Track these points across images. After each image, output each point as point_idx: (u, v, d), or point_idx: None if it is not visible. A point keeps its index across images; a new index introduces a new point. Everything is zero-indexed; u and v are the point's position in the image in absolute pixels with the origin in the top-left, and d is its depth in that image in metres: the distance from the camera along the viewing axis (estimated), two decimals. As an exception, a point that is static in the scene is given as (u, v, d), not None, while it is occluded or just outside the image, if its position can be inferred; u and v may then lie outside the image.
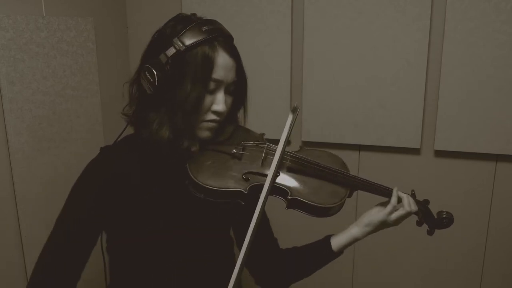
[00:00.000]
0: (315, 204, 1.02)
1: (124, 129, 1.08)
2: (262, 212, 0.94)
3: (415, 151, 1.88)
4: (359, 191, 1.13)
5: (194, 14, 1.04)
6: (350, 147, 1.94)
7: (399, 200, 1.12)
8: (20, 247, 1.61)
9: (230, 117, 1.09)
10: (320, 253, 1.18)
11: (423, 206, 1.16)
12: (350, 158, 1.95)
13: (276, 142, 1.03)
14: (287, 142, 1.03)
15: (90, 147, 1.07)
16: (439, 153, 1.85)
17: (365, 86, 1.85)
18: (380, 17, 1.77)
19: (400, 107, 1.82)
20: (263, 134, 1.14)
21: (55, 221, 1.05)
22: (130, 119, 1.05)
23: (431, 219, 1.17)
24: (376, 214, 1.13)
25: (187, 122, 0.99)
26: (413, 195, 1.15)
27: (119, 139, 1.09)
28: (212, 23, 1.01)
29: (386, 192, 1.13)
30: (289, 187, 1.03)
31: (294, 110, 1.03)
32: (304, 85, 1.92)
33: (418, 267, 1.98)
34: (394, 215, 1.11)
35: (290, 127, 1.02)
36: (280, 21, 1.89)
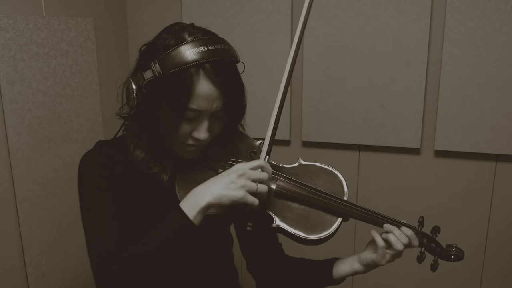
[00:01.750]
0: (300, 236, 0.97)
1: (119, 130, 1.07)
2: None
3: (415, 151, 1.88)
4: None
5: (192, 26, 0.96)
6: (350, 147, 1.94)
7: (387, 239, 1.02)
8: (20, 247, 1.61)
9: (225, 133, 1.03)
10: (320, 276, 1.14)
11: (429, 239, 1.07)
12: (350, 158, 1.95)
13: (276, 142, 1.02)
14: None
15: (90, 147, 1.07)
16: (439, 153, 1.85)
17: (365, 86, 1.85)
18: (380, 17, 1.77)
19: (400, 107, 1.82)
20: (261, 143, 1.07)
21: (83, 221, 0.99)
22: (125, 120, 1.03)
23: (437, 250, 1.08)
24: (371, 257, 1.05)
25: (162, 147, 0.96)
26: (420, 222, 1.08)
27: (117, 137, 1.09)
28: (207, 43, 0.91)
29: (381, 223, 1.04)
30: (274, 215, 0.97)
31: None
32: (304, 85, 1.92)
33: (418, 267, 1.97)
34: (389, 257, 1.02)
35: (307, 12, 0.96)
36: (280, 21, 1.89)
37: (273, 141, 0.99)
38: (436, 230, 1.09)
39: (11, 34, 1.50)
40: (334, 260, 1.14)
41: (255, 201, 0.89)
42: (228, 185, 0.89)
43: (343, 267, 1.11)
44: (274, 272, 1.22)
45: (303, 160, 1.09)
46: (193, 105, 0.91)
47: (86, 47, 1.80)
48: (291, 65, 0.97)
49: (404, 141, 1.85)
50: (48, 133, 1.66)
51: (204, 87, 0.90)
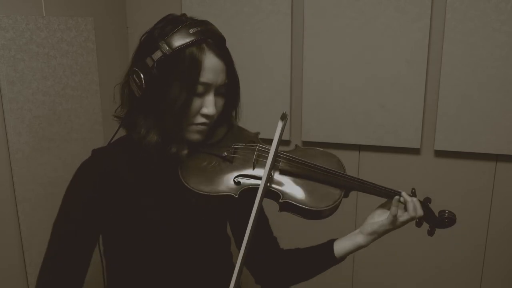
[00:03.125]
0: (307, 207, 1.00)
1: (116, 132, 1.08)
2: (259, 214, 0.93)
3: (415, 151, 1.88)
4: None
5: (184, 15, 1.02)
6: (350, 147, 1.94)
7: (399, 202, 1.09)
8: (20, 247, 1.61)
9: (222, 119, 1.07)
10: (321, 257, 1.16)
11: (423, 205, 1.14)
12: (350, 158, 1.95)
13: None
14: (279, 144, 1.01)
15: (90, 147, 1.07)
16: (439, 153, 1.85)
17: (365, 86, 1.85)
18: (380, 17, 1.77)
19: (400, 107, 1.82)
20: (257, 134, 1.12)
21: (52, 226, 1.03)
22: (122, 122, 1.04)
23: (432, 218, 1.15)
24: (379, 222, 1.10)
25: (176, 126, 0.99)
26: (413, 193, 1.13)
27: (111, 142, 1.09)
28: (202, 24, 0.98)
29: (384, 193, 1.11)
30: (281, 190, 1.01)
31: (283, 117, 1.01)
32: (304, 85, 1.92)
33: (418, 267, 1.98)
34: (399, 222, 1.08)
35: (280, 135, 1.01)
36: (280, 21, 1.89)
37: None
38: (427, 200, 1.15)
39: (11, 34, 1.50)
40: (332, 241, 1.16)
41: None
42: None
43: (345, 244, 1.14)
44: (272, 265, 1.22)
45: (300, 146, 1.16)
46: (203, 78, 0.96)
47: (86, 47, 1.80)
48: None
49: (404, 141, 1.85)
50: (48, 133, 1.66)
51: (211, 60, 0.96)
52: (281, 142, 1.06)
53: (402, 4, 1.74)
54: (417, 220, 1.12)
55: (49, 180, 1.67)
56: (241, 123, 1.14)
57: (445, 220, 1.14)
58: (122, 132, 1.07)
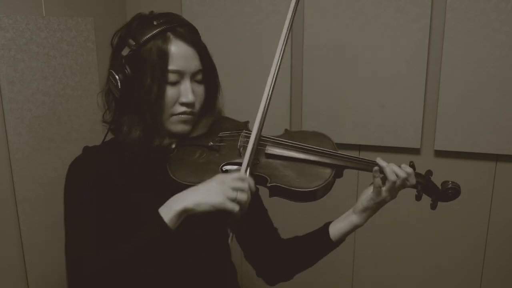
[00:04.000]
0: (296, 189, 0.98)
1: (105, 136, 1.09)
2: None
3: (415, 151, 1.88)
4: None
5: (151, 12, 1.04)
6: (350, 147, 1.94)
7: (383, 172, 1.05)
8: (20, 247, 1.61)
9: (206, 108, 1.07)
10: (319, 242, 1.15)
11: (424, 178, 1.09)
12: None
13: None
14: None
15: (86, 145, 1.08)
16: (439, 153, 1.85)
17: (365, 86, 1.85)
18: (380, 17, 1.77)
19: (400, 107, 1.82)
20: (246, 122, 1.11)
21: (65, 224, 1.04)
22: (109, 126, 1.06)
23: (434, 190, 1.09)
24: (368, 197, 1.08)
25: (156, 119, 0.99)
26: (412, 166, 1.09)
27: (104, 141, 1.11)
28: (167, 15, 1.01)
29: (369, 167, 1.06)
30: (268, 174, 1.00)
31: None
32: (304, 85, 1.92)
33: (418, 267, 1.98)
34: (385, 192, 1.05)
35: (292, 14, 1.01)
36: (280, 21, 1.88)
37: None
38: (429, 173, 1.11)
39: (11, 34, 1.50)
40: (327, 224, 1.15)
41: (235, 207, 0.92)
42: (208, 191, 0.92)
43: (339, 225, 1.12)
44: (273, 256, 1.22)
45: (289, 129, 1.13)
46: (173, 66, 0.97)
47: (86, 47, 1.80)
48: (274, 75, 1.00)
49: (404, 141, 1.85)
50: (48, 133, 1.66)
51: (179, 46, 0.97)
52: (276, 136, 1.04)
53: (402, 4, 1.74)
54: (416, 194, 1.08)
55: (49, 180, 1.67)
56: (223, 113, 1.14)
57: (448, 191, 1.08)
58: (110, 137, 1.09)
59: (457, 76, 1.74)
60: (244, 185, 0.94)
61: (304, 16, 1.87)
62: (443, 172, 1.86)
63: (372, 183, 1.09)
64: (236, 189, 0.92)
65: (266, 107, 1.00)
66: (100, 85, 1.86)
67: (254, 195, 0.97)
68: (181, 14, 2.01)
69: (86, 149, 1.08)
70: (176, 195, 0.94)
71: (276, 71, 1.02)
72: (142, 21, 1.00)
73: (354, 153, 1.95)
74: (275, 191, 1.00)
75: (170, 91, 0.98)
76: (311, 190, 0.99)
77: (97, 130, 1.87)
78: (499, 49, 1.67)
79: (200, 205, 0.91)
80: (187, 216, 1.05)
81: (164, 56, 0.96)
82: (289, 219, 1.65)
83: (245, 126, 1.10)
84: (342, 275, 2.06)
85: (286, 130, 1.12)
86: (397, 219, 1.89)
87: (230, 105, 1.22)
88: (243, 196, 0.93)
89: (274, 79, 1.02)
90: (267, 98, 1.01)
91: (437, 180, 1.93)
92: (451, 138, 1.79)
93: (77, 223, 1.01)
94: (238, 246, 1.26)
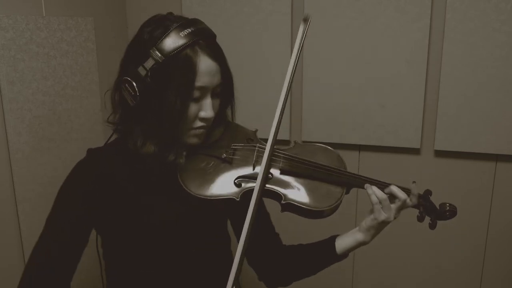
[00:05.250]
0: (309, 208, 0.99)
1: (110, 137, 1.07)
2: (255, 215, 0.92)
3: (415, 151, 1.88)
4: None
5: (170, 14, 1.00)
6: (350, 147, 1.94)
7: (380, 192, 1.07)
8: (20, 247, 1.61)
9: (219, 118, 1.06)
10: (323, 254, 1.15)
11: (424, 198, 1.12)
12: (350, 158, 1.95)
13: (276, 142, 1.03)
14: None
15: (90, 147, 1.08)
16: (439, 153, 1.85)
17: (365, 86, 1.85)
18: (380, 17, 1.77)
19: (400, 107, 1.82)
20: (255, 131, 1.11)
21: (45, 221, 1.04)
22: (115, 128, 1.03)
23: (433, 211, 1.13)
24: (371, 216, 1.08)
25: (174, 134, 0.97)
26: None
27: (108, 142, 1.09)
28: (192, 24, 0.95)
29: (383, 188, 1.09)
30: (282, 191, 1.00)
31: (305, 20, 0.97)
32: (304, 85, 1.92)
33: (418, 267, 1.98)
34: (383, 214, 1.06)
35: (301, 40, 0.97)
36: (280, 21, 1.89)
37: (275, 143, 1.01)
38: (428, 193, 1.14)
39: (11, 34, 1.50)
40: (334, 237, 1.15)
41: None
42: None
43: (346, 240, 1.13)
44: (274, 262, 1.22)
45: (299, 142, 1.14)
46: (199, 83, 0.94)
47: (86, 47, 1.80)
48: (292, 73, 0.98)
49: (404, 141, 1.85)
50: (48, 133, 1.66)
51: (205, 62, 0.94)
52: (281, 142, 1.05)
53: (402, 4, 1.74)
54: (418, 215, 1.10)
55: (49, 180, 1.67)
56: (241, 124, 1.14)
57: (446, 213, 1.12)
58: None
59: (457, 76, 1.74)
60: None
61: (304, 16, 1.87)
62: (443, 172, 1.87)
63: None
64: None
65: (279, 122, 0.99)
66: (100, 85, 1.87)
67: (258, 206, 0.96)
68: (181, 14, 2.02)
69: (90, 151, 1.05)
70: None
71: (289, 87, 1.02)
72: (166, 29, 0.93)
73: (354, 153, 1.95)
74: (288, 208, 1.01)
75: (192, 107, 0.96)
76: (323, 210, 1.01)
77: (97, 130, 1.87)
78: (499, 49, 1.67)
79: None
80: (186, 215, 1.05)
81: (193, 73, 0.92)
82: (289, 225, 1.66)
83: (254, 136, 1.09)
84: (342, 276, 2.06)
85: (295, 142, 1.14)
86: (397, 219, 1.89)
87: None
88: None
89: (286, 97, 1.01)
90: (280, 115, 1.00)
91: (437, 180, 1.94)
92: (451, 138, 1.79)
93: (51, 238, 1.02)
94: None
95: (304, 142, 1.98)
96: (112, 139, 1.09)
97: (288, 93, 1.00)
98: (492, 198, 1.82)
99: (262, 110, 1.94)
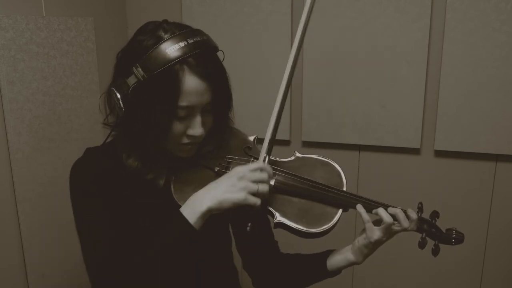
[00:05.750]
0: (302, 229, 0.96)
1: (107, 137, 1.06)
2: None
3: (415, 151, 1.88)
4: None
5: (165, 22, 0.94)
6: (350, 147, 1.94)
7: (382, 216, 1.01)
8: (20, 247, 1.61)
9: (214, 131, 1.02)
10: (315, 269, 1.13)
11: (429, 224, 1.07)
12: (350, 158, 1.95)
13: (276, 142, 1.02)
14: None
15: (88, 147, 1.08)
16: (439, 153, 1.85)
17: (365, 86, 1.85)
18: (380, 17, 1.77)
19: (400, 107, 1.82)
20: (255, 138, 1.08)
21: (78, 231, 0.98)
22: (112, 129, 1.02)
23: (437, 235, 1.07)
24: (362, 237, 1.04)
25: (156, 152, 0.95)
26: (420, 209, 1.07)
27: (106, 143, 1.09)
28: (183, 37, 0.89)
29: (371, 210, 1.03)
30: (275, 210, 0.97)
31: None
32: (304, 85, 1.92)
33: (418, 267, 1.98)
34: (378, 231, 1.01)
35: (309, 12, 0.94)
36: (280, 21, 1.89)
37: (274, 140, 0.99)
38: (435, 215, 1.08)
39: (11, 34, 1.50)
40: (329, 253, 1.12)
41: (257, 201, 0.89)
42: (229, 188, 0.89)
43: (338, 258, 1.09)
44: (270, 269, 1.21)
45: (300, 153, 1.09)
46: (183, 102, 0.89)
47: (86, 47, 1.80)
48: (291, 67, 0.96)
49: (404, 141, 1.85)
50: (48, 133, 1.66)
51: (191, 82, 0.89)
52: (281, 142, 1.05)
53: (402, 4, 1.74)
54: (420, 240, 1.05)
55: (49, 180, 1.67)
56: (240, 124, 1.13)
57: (451, 239, 1.06)
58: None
59: (457, 76, 1.74)
60: (264, 176, 0.91)
61: (304, 16, 1.87)
62: (443, 172, 1.87)
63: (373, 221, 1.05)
64: (257, 181, 0.89)
65: (274, 129, 0.97)
66: (100, 85, 1.87)
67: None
68: (181, 14, 2.02)
69: (88, 151, 1.05)
70: (197, 193, 0.91)
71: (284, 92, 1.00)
72: (156, 41, 0.88)
73: (354, 153, 1.95)
74: (279, 226, 0.98)
75: (178, 126, 0.92)
76: (316, 232, 0.97)
77: (97, 130, 1.87)
78: (499, 49, 1.67)
79: (223, 203, 0.88)
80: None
81: (175, 92, 0.88)
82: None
83: (253, 144, 1.06)
84: (342, 275, 2.05)
85: (296, 154, 1.08)
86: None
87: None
88: (265, 188, 0.90)
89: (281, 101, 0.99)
90: (275, 122, 0.97)
91: (437, 180, 1.93)
92: (451, 138, 1.79)
93: (92, 227, 0.96)
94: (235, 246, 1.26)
95: (304, 142, 1.98)
96: (110, 139, 1.09)
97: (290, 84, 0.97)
98: (492, 198, 1.82)
99: (261, 110, 1.94)
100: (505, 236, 1.84)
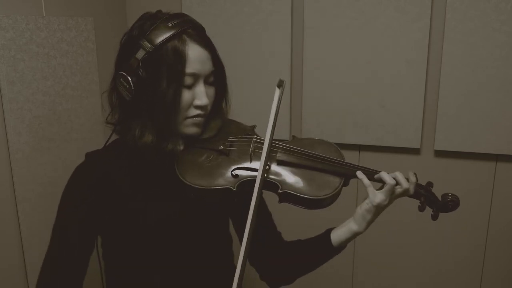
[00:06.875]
0: (306, 196, 0.99)
1: (110, 137, 1.08)
2: (257, 208, 0.93)
3: (415, 151, 1.88)
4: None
5: (159, 11, 1.02)
6: (350, 147, 1.94)
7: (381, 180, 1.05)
8: (20, 247, 1.61)
9: (215, 111, 1.07)
10: (321, 248, 1.14)
11: (425, 189, 1.11)
12: (350, 158, 1.94)
13: (275, 140, 1.03)
14: (275, 129, 0.99)
15: (90, 147, 1.08)
16: (439, 153, 1.85)
17: (365, 86, 1.85)
18: (380, 17, 1.77)
19: (400, 107, 1.82)
20: (253, 126, 1.12)
21: (51, 230, 1.05)
22: (114, 128, 1.04)
23: (435, 202, 1.11)
24: (364, 202, 1.06)
25: (169, 123, 0.99)
26: (415, 177, 1.10)
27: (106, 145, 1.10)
28: (179, 16, 0.99)
29: (373, 175, 1.06)
30: (279, 181, 1.00)
31: (280, 84, 1.00)
32: (304, 85, 1.92)
33: (418, 267, 1.98)
34: (383, 193, 1.03)
35: (277, 104, 0.99)
36: (280, 21, 1.89)
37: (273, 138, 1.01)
38: (429, 185, 1.13)
39: (11, 34, 1.50)
40: (330, 230, 1.14)
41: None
42: None
43: (341, 231, 1.11)
44: (276, 259, 1.21)
45: (297, 136, 1.14)
46: (190, 69, 0.96)
47: (86, 47, 1.80)
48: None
49: (404, 141, 1.85)
50: (48, 133, 1.66)
51: (194, 50, 0.97)
52: (280, 141, 1.05)
53: (402, 4, 1.74)
54: (419, 204, 1.08)
55: (49, 180, 1.67)
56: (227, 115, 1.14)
57: (448, 203, 1.10)
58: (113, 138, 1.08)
59: (457, 76, 1.74)
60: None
61: (304, 16, 1.87)
62: (443, 172, 1.87)
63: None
64: None
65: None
66: (100, 85, 1.87)
67: (260, 198, 0.97)
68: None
69: (88, 155, 1.06)
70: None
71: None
72: (154, 21, 0.97)
73: (354, 153, 1.95)
74: (285, 198, 1.01)
75: (186, 94, 0.98)
76: (321, 198, 1.00)
77: (97, 130, 1.87)
78: (499, 49, 1.67)
79: None
80: (186, 214, 1.06)
81: (181, 59, 0.95)
82: (293, 221, 1.65)
83: (252, 131, 1.10)
84: (342, 275, 2.06)
85: (294, 136, 1.13)
86: (397, 219, 1.89)
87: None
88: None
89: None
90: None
91: (437, 180, 1.93)
92: (451, 138, 1.79)
93: (55, 237, 1.04)
94: (238, 245, 1.26)
95: (304, 142, 1.98)
96: (111, 140, 1.09)
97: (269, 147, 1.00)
98: (492, 198, 1.82)
99: (261, 109, 1.94)
100: (505, 236, 1.84)
